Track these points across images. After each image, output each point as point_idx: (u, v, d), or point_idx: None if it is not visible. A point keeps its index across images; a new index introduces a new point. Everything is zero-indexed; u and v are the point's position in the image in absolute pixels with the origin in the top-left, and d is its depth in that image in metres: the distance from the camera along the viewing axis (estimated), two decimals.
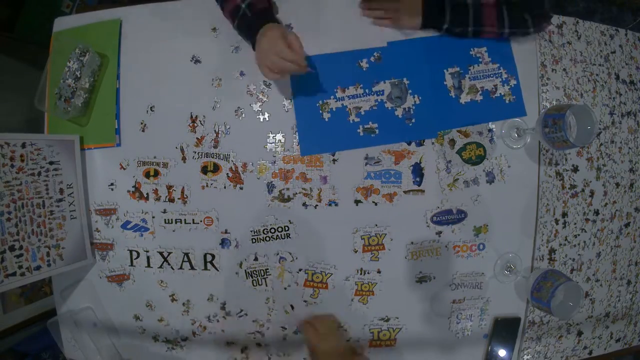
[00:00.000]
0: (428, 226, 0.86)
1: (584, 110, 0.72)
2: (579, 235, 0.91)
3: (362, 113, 0.84)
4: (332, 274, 0.86)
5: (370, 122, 0.84)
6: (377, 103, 0.84)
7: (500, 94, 0.86)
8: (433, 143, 0.85)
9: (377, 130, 0.84)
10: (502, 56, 0.86)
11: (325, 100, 0.84)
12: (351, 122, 0.84)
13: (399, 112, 0.84)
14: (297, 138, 0.84)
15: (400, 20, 0.82)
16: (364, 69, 0.84)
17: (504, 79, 0.86)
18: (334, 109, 0.84)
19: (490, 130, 0.86)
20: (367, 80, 0.84)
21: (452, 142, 0.85)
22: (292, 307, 0.87)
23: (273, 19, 0.76)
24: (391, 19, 0.83)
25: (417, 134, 0.84)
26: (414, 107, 0.84)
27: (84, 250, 0.89)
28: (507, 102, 0.86)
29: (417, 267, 0.87)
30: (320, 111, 0.84)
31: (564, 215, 0.89)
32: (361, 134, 0.84)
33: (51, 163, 0.83)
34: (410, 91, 0.84)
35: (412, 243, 0.86)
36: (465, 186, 0.86)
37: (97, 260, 0.92)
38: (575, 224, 0.90)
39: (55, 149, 0.84)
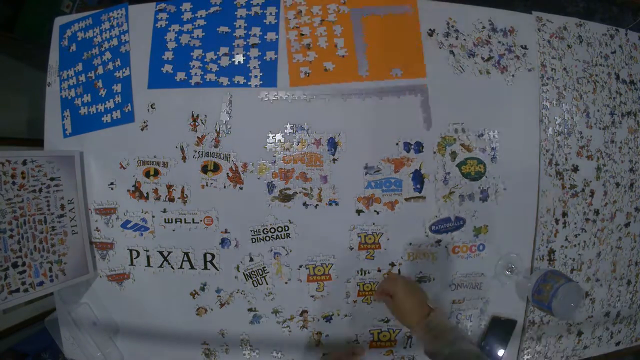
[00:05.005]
0: (427, 236, 0.86)
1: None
2: (579, 235, 0.91)
3: None
4: (332, 264, 0.86)
5: None
6: None
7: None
8: (434, 152, 0.85)
9: None
10: None
11: None
12: None
13: None
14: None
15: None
16: None
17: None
18: None
19: (493, 148, 0.86)
20: None
21: (454, 154, 0.85)
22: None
23: None
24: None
25: None
26: None
27: (85, 265, 0.89)
28: None
29: (417, 267, 0.87)
30: None
31: (564, 215, 0.89)
32: None
33: (52, 179, 0.83)
34: None
35: (410, 244, 0.86)
36: (461, 200, 0.86)
37: (97, 260, 0.92)
38: (575, 223, 0.90)
39: (56, 165, 0.84)
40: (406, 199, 0.85)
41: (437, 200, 0.85)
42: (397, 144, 0.84)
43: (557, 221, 0.89)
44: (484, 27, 0.87)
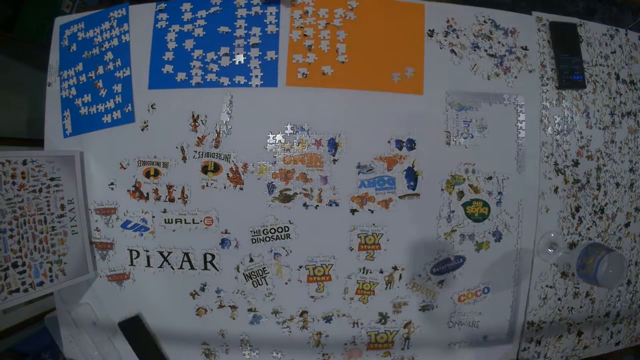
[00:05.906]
0: (429, 279, 0.87)
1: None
2: (581, 233, 0.91)
3: None
4: (332, 264, 0.86)
5: None
6: None
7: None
8: (442, 190, 0.85)
9: None
10: None
11: None
12: None
13: None
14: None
15: None
16: None
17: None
18: None
19: (500, 193, 0.86)
20: None
21: (461, 194, 0.85)
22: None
23: None
24: None
25: None
26: None
27: (85, 265, 0.90)
28: None
29: (420, 297, 0.88)
30: None
31: (577, 208, 0.89)
32: None
33: (52, 179, 0.84)
34: None
35: (419, 276, 0.87)
36: (461, 239, 0.86)
37: (97, 260, 0.92)
38: (582, 218, 0.91)
39: (56, 165, 0.85)
40: (400, 197, 0.85)
41: (438, 237, 0.86)
42: (388, 142, 0.84)
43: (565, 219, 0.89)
44: (485, 22, 0.87)
